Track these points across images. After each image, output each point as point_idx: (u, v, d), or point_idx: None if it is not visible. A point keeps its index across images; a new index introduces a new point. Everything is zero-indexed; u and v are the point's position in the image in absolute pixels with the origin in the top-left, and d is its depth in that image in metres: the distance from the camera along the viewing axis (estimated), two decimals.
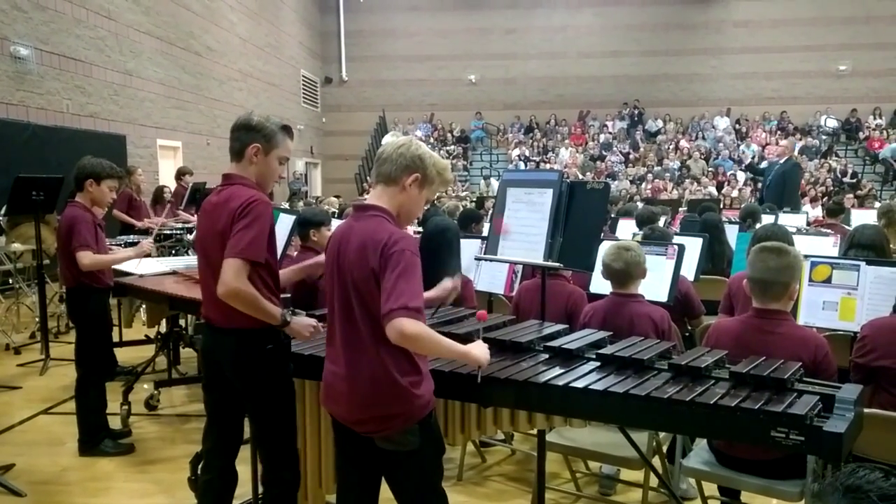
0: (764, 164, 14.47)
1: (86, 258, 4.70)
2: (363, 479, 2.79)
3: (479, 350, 2.70)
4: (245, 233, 2.92)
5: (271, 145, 3.15)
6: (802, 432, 2.34)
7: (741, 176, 20.61)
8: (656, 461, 3.65)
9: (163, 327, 6.33)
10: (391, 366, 2.55)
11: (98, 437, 4.93)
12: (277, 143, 3.17)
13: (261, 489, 3.30)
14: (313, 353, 3.18)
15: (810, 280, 4.16)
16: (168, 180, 13.16)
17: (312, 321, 3.17)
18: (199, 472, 3.55)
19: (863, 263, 4.08)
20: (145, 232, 9.24)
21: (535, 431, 3.57)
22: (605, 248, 4.09)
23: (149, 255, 5.26)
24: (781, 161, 11.43)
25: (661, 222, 7.60)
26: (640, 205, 10.89)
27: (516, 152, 23.43)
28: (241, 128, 3.13)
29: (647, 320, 3.89)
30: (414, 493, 2.71)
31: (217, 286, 2.92)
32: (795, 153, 15.45)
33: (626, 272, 3.96)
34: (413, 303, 2.43)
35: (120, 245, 6.68)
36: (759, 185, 14.22)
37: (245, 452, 3.52)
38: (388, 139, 2.70)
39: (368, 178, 22.90)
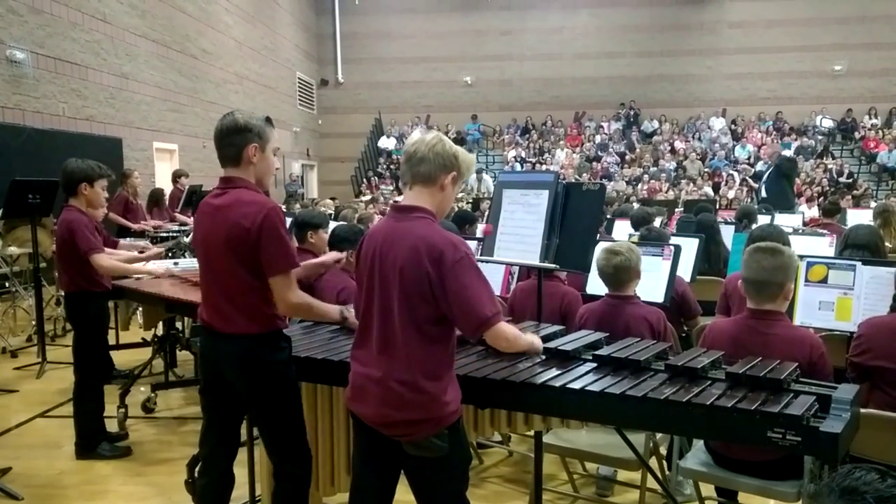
0: (760, 167, 14.60)
1: (104, 260, 4.68)
2: (381, 482, 2.77)
3: (538, 341, 2.96)
4: (278, 247, 2.97)
5: (264, 141, 3.14)
6: (799, 433, 2.34)
7: (738, 176, 20.64)
8: (653, 462, 3.65)
9: (159, 330, 6.32)
10: (424, 370, 2.55)
11: (95, 441, 4.92)
12: (269, 137, 3.17)
13: (272, 484, 3.29)
14: (308, 355, 3.19)
15: (806, 280, 4.16)
16: (164, 183, 13.15)
17: None
18: (196, 474, 3.54)
19: (859, 263, 4.08)
20: (141, 234, 9.24)
21: (532, 433, 3.57)
22: (598, 250, 4.10)
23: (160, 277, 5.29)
24: (771, 162, 11.59)
25: (658, 223, 7.61)
26: (636, 206, 10.90)
27: (512, 154, 23.45)
28: (231, 132, 3.08)
29: (643, 322, 3.89)
30: (440, 501, 2.70)
31: (278, 304, 3.00)
32: (784, 151, 15.71)
33: (616, 276, 3.96)
34: (497, 307, 2.58)
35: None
36: (756, 185, 14.32)
37: (243, 455, 3.52)
38: (416, 136, 2.68)
39: (369, 177, 22.92)
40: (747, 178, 19.30)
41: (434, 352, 2.56)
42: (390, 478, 2.77)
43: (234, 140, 3.08)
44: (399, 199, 2.81)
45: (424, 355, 2.54)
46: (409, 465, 2.67)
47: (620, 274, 3.96)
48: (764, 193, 11.43)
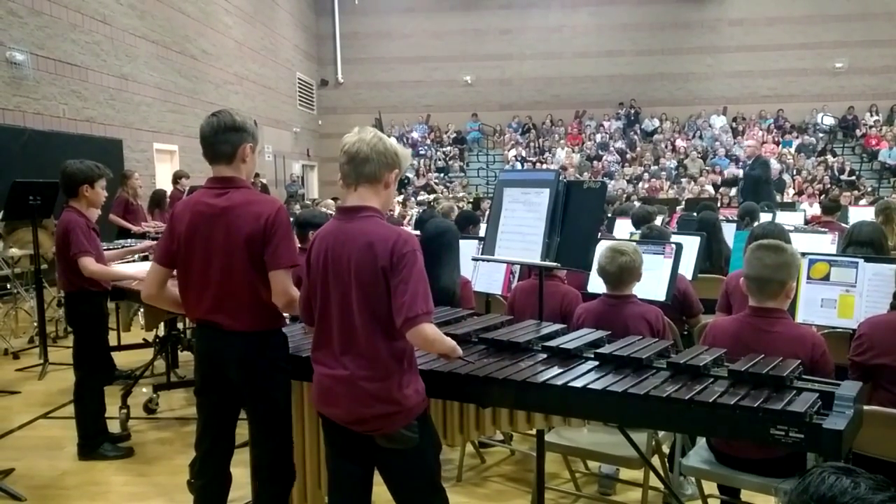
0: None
1: (90, 264, 4.67)
2: (359, 478, 2.80)
3: (458, 349, 2.76)
4: (282, 243, 3.03)
5: (256, 141, 3.22)
6: (802, 430, 2.33)
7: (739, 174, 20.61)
8: (655, 460, 3.65)
9: (161, 331, 6.32)
10: (389, 365, 2.59)
11: (97, 441, 4.92)
12: (258, 138, 3.26)
13: (256, 485, 3.30)
14: (310, 355, 3.18)
15: (808, 277, 4.16)
16: (165, 184, 13.15)
17: None
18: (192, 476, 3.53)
19: (861, 260, 4.08)
20: (142, 236, 9.22)
21: (533, 431, 3.56)
22: (601, 248, 4.09)
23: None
24: (750, 162, 11.59)
25: (659, 221, 7.60)
26: (636, 204, 10.89)
27: (513, 153, 23.44)
28: (227, 129, 3.11)
29: (642, 321, 3.88)
30: (415, 491, 2.73)
31: (279, 297, 3.03)
32: (763, 151, 15.73)
33: (619, 276, 3.95)
34: (430, 307, 2.55)
35: (117, 248, 6.65)
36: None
37: (244, 455, 3.51)
38: (353, 136, 2.67)
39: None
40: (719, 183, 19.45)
41: (397, 346, 2.60)
42: (366, 473, 2.80)
43: (231, 138, 3.12)
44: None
45: (389, 351, 2.59)
46: (382, 459, 2.71)
47: (624, 274, 3.95)
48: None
